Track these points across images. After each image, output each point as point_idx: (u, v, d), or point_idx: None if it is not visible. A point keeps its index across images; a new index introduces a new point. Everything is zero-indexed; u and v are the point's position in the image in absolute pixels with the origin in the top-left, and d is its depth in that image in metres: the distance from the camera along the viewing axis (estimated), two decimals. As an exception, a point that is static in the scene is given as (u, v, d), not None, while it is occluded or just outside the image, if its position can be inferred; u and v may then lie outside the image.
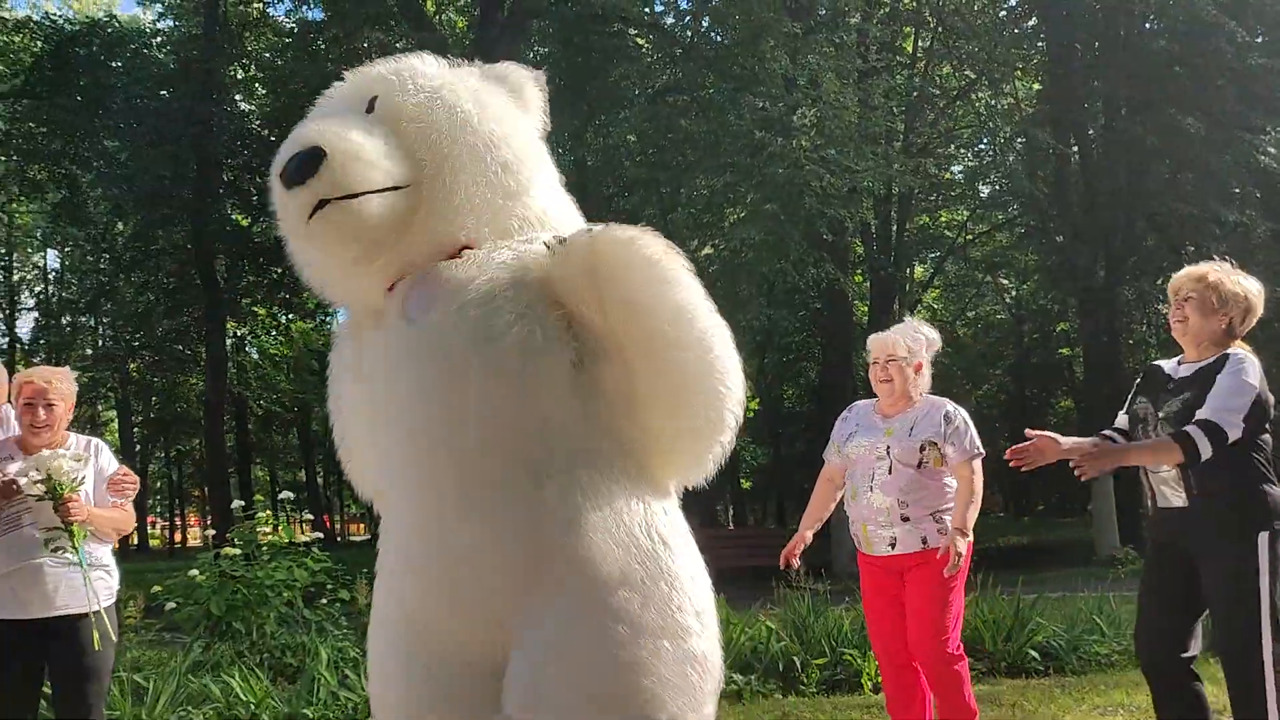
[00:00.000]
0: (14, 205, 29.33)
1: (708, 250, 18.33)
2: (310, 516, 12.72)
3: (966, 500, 4.45)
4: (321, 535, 9.01)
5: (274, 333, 29.65)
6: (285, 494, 12.10)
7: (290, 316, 27.54)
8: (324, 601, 7.91)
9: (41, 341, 42.76)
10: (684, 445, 2.64)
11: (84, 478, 4.10)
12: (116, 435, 43.42)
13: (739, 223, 16.73)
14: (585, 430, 2.56)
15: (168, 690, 6.47)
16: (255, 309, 26.46)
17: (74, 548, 4.01)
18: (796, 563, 4.95)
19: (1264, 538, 3.80)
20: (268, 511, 8.67)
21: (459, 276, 2.60)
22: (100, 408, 40.43)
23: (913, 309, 22.70)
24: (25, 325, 44.78)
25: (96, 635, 4.05)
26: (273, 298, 24.81)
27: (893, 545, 4.53)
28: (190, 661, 6.89)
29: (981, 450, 4.55)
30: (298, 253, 2.78)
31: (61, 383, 4.20)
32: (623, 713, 2.44)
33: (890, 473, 4.51)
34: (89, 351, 39.66)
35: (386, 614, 2.70)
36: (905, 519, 4.49)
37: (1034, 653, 7.35)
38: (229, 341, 26.30)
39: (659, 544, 2.54)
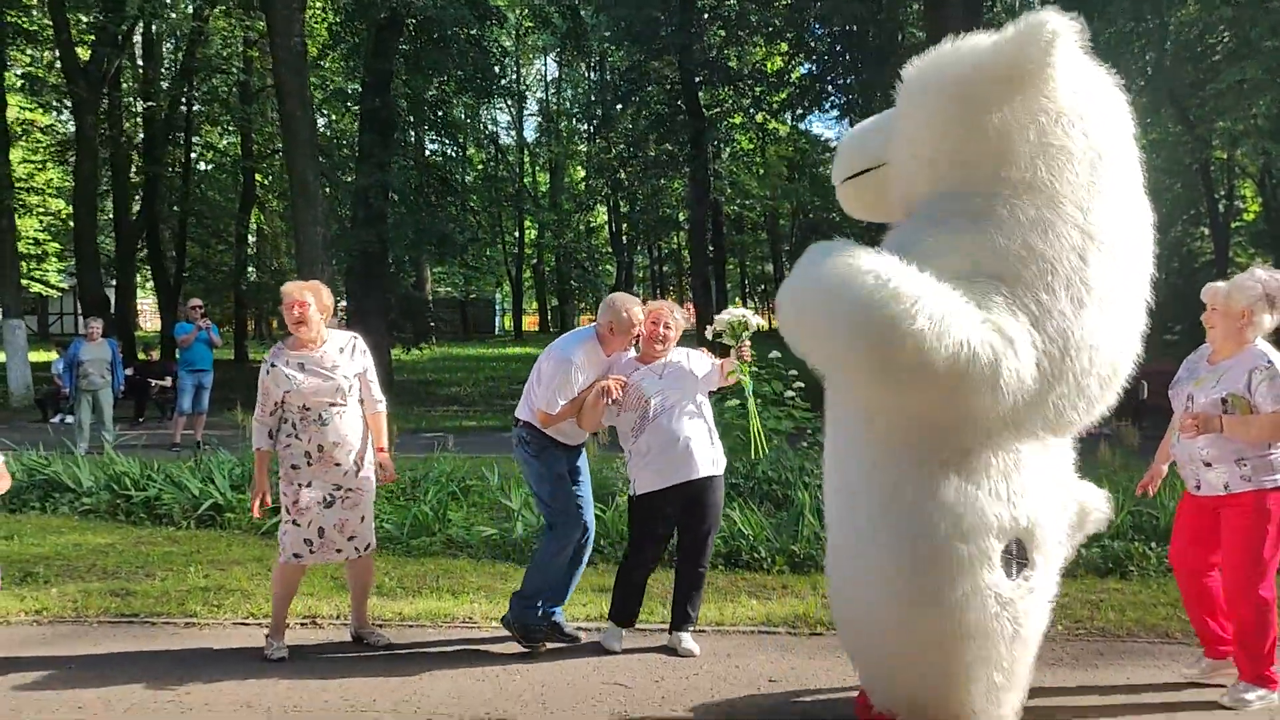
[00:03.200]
0: (526, 39, 32.47)
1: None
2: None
3: (1261, 425, 4.59)
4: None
5: (749, 132, 30.82)
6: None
7: (765, 118, 28.76)
8: (804, 445, 9.03)
9: (543, 143, 47.57)
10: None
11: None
12: (607, 233, 48.02)
13: (1234, 58, 15.22)
14: None
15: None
16: (734, 120, 27.90)
17: (747, 381, 5.88)
18: (1153, 492, 5.38)
19: None
20: (738, 300, 9.59)
21: None
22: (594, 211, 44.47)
23: None
24: (528, 129, 49.97)
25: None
26: (750, 109, 26.06)
27: (1198, 488, 4.91)
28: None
29: None
30: None
31: (677, 314, 5.70)
32: None
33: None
34: (582, 148, 43.64)
35: None
36: (1208, 464, 4.82)
37: None
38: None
39: None
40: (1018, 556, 3.84)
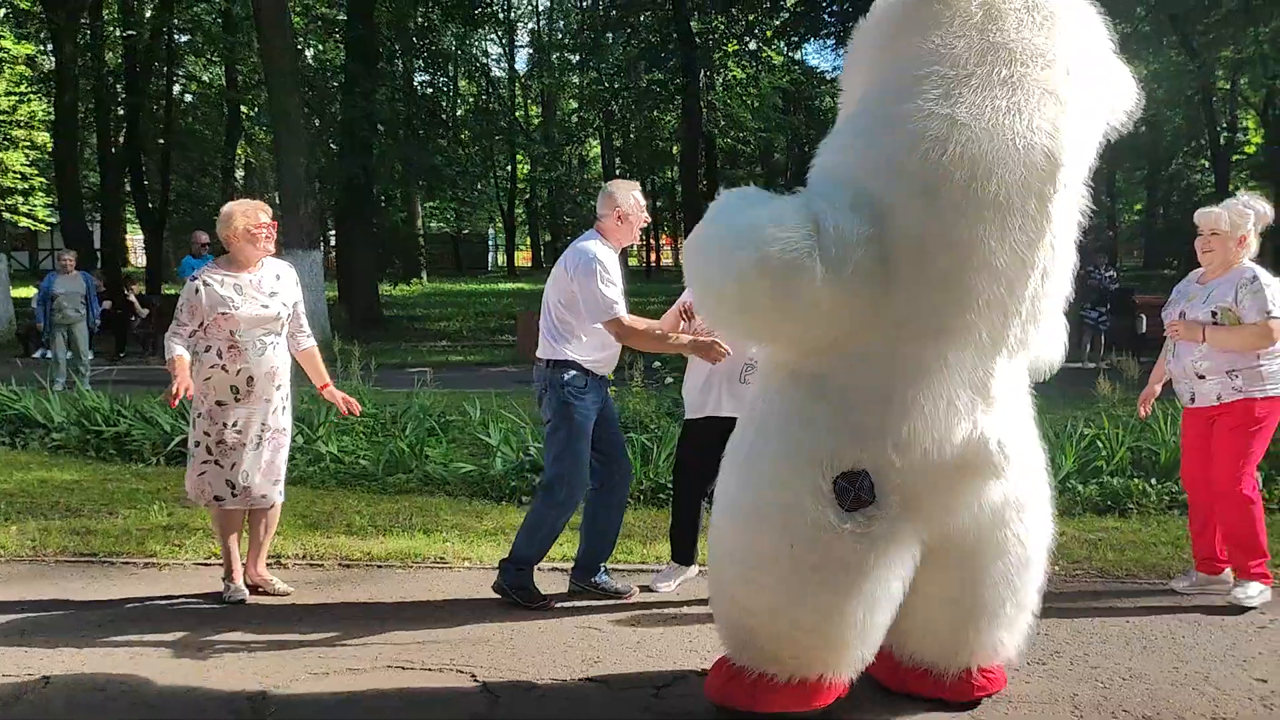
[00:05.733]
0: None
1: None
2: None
3: (1242, 333, 4.91)
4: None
5: (744, 61, 29.96)
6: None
7: (759, 45, 28.06)
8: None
9: (534, 75, 46.75)
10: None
11: None
12: (599, 166, 47.38)
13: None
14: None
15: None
16: (727, 48, 27.25)
17: None
18: (1145, 413, 5.73)
19: None
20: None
21: None
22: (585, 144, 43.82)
23: None
24: (519, 60, 49.15)
25: None
26: (743, 36, 25.50)
27: (1192, 399, 5.18)
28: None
29: (1275, 317, 4.88)
30: None
31: None
32: None
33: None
34: (575, 79, 42.93)
35: None
36: (1201, 377, 5.09)
37: None
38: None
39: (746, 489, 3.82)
40: (859, 489, 3.44)
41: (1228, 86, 31.46)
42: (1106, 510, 6.90)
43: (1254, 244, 5.11)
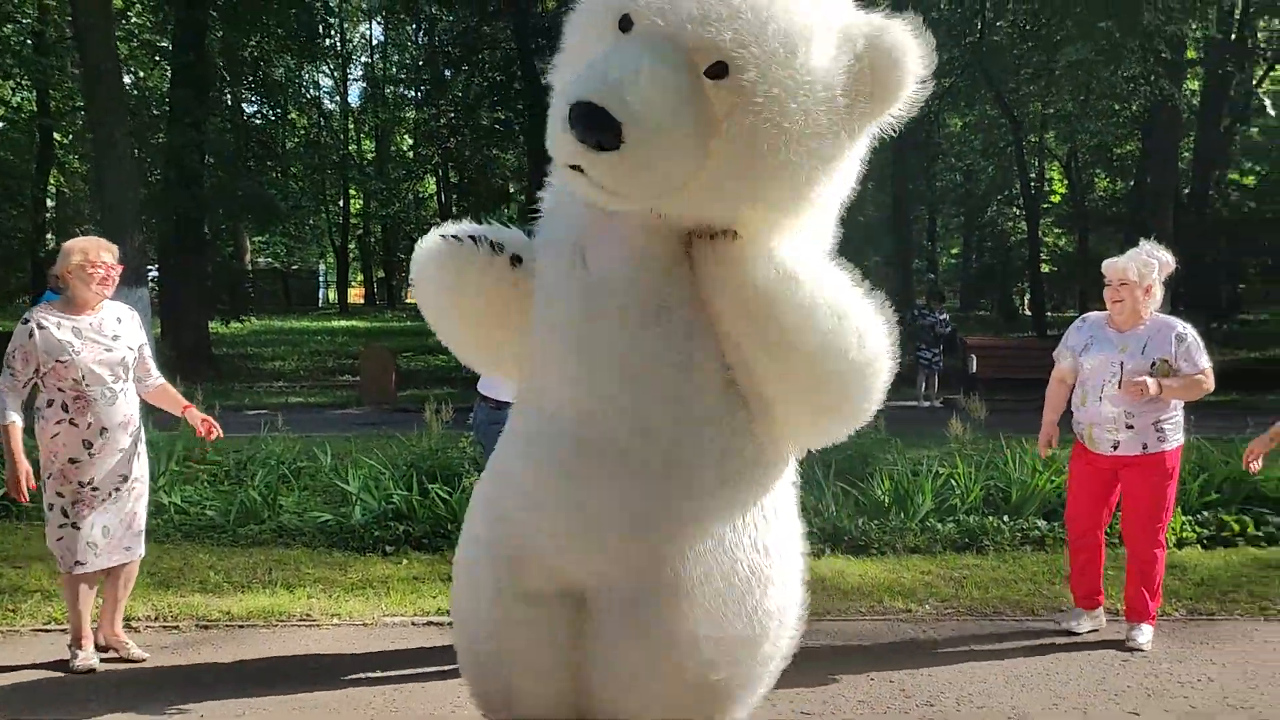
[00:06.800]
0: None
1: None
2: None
3: (1188, 384, 5.05)
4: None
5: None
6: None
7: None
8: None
9: (369, 110, 45.96)
10: (814, 432, 3.02)
11: None
12: (436, 203, 46.87)
13: (1067, 39, 15.75)
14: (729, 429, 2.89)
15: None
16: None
17: None
18: (1048, 452, 5.70)
19: None
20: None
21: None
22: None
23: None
24: (353, 94, 48.23)
25: None
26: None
27: (1115, 447, 5.18)
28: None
29: (1209, 367, 5.12)
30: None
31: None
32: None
33: (1120, 387, 5.11)
34: (411, 115, 42.36)
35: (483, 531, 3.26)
36: (1130, 426, 5.14)
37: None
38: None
39: (760, 553, 2.95)
40: None
41: (1037, 140, 33.42)
42: (965, 548, 7.11)
43: (1159, 293, 5.22)
